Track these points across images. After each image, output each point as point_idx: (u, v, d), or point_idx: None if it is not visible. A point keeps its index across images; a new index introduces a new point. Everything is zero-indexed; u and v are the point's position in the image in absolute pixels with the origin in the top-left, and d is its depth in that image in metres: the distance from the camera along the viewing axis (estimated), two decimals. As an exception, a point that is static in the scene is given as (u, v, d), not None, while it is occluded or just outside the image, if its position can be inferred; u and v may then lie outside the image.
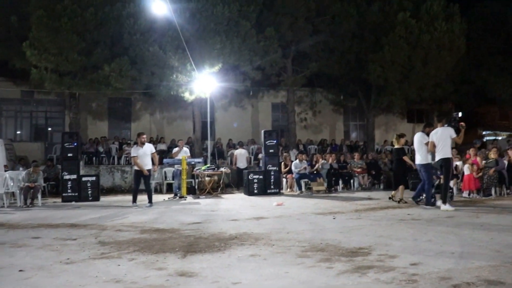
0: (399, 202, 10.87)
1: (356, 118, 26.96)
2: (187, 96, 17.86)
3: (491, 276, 4.32)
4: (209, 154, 18.54)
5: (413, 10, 20.07)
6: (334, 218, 8.52)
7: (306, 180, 15.46)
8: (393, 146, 11.91)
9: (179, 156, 14.03)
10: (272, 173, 14.83)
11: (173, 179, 14.91)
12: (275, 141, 15.21)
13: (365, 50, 20.75)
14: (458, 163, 13.73)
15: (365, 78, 20.91)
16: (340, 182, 16.09)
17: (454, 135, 9.34)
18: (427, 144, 9.75)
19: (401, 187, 11.07)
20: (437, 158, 9.44)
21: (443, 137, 9.32)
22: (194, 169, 15.07)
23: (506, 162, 12.95)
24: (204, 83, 17.20)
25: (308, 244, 5.99)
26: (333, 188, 15.76)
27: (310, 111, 24.99)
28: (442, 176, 11.87)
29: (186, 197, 13.53)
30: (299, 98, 24.49)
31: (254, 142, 22.24)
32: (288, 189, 15.71)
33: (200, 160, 15.71)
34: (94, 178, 13.87)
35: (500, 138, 27.39)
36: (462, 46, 20.53)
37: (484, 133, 31.23)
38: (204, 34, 17.10)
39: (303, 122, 24.75)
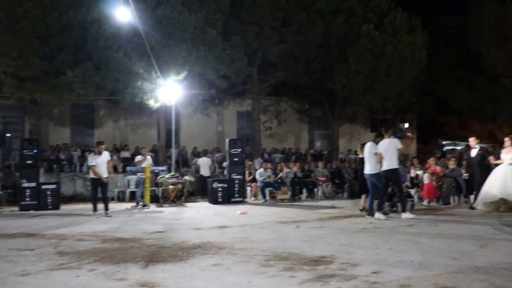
0: (361, 210, 11.02)
1: (321, 127, 27.25)
2: (152, 103, 17.67)
3: (448, 283, 4.43)
4: (173, 162, 18.36)
5: (377, 22, 20.56)
6: (297, 227, 8.57)
7: (271, 188, 15.51)
8: (357, 155, 12.06)
9: (143, 164, 13.84)
10: (237, 181, 14.80)
11: (136, 187, 14.69)
12: (239, 150, 15.21)
13: (330, 60, 21.06)
14: (419, 172, 14.05)
15: (330, 88, 21.20)
16: (304, 190, 16.19)
17: (399, 146, 9.43)
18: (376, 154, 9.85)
19: (364, 195, 11.22)
20: (384, 169, 9.52)
21: (389, 148, 9.42)
22: (158, 177, 14.89)
23: (463, 170, 13.30)
24: (169, 90, 17.06)
25: (271, 253, 6.00)
26: (297, 197, 15.85)
27: (275, 120, 25.12)
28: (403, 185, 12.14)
29: (149, 206, 13.35)
30: (264, 107, 24.59)
31: (219, 150, 22.19)
32: (253, 198, 15.71)
33: (164, 168, 15.55)
34: (54, 186, 13.52)
35: (459, 148, 28.21)
36: (423, 58, 21.13)
37: (444, 143, 32.11)
38: (170, 41, 16.98)
39: (268, 131, 24.85)
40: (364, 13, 21.08)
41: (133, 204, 13.86)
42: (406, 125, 10.82)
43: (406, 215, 9.38)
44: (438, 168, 13.49)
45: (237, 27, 19.79)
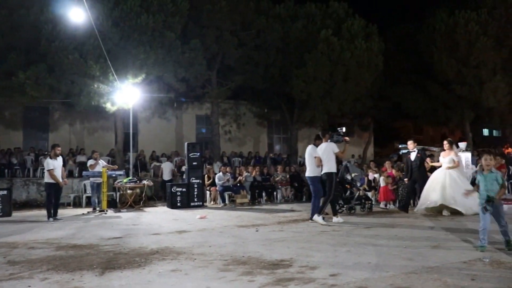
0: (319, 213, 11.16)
1: (280, 131, 27.47)
2: (109, 106, 17.32)
3: (403, 283, 4.53)
4: (131, 166, 18.06)
5: (335, 28, 20.94)
6: (257, 231, 8.58)
7: (230, 192, 15.49)
8: None
9: (96, 169, 13.55)
10: (196, 185, 14.71)
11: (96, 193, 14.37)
12: (198, 154, 15.14)
13: (289, 65, 21.27)
14: (376, 175, 14.36)
15: (289, 92, 21.41)
16: (264, 194, 16.26)
17: (336, 150, 9.46)
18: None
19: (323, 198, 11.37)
20: (322, 172, 9.51)
21: (326, 152, 9.46)
22: (116, 182, 14.61)
23: (403, 174, 13.62)
24: (127, 93, 16.78)
25: (230, 258, 5.98)
26: (256, 201, 15.90)
27: (235, 124, 25.14)
28: (361, 188, 12.36)
29: (106, 211, 13.07)
30: (223, 111, 24.58)
31: (177, 154, 21.99)
32: (212, 202, 15.64)
33: (121, 172, 15.26)
34: (5, 192, 13.00)
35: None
36: (380, 64, 21.68)
37: (400, 146, 32.92)
38: (128, 43, 16.73)
39: (228, 135, 24.83)
40: (322, 19, 21.44)
41: (90, 209, 13.53)
42: (344, 129, 10.90)
43: (336, 219, 9.39)
44: (394, 171, 13.81)
45: (196, 31, 19.72)
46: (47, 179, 11.04)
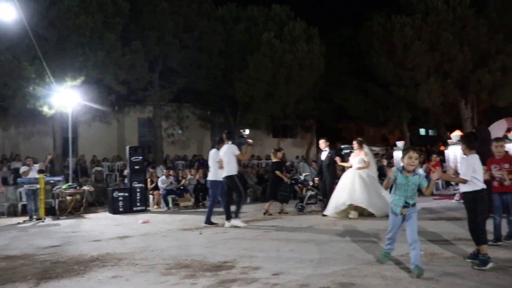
0: (264, 214, 11.25)
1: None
2: (46, 110, 16.63)
3: (344, 279, 4.64)
4: (71, 172, 17.45)
5: (277, 31, 21.19)
6: (200, 233, 8.53)
7: (173, 196, 15.30)
8: (270, 159, 12.25)
9: (30, 175, 13.00)
10: (138, 190, 14.42)
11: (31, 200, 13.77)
12: (140, 157, 14.86)
13: (231, 67, 21.30)
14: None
15: (232, 95, 21.44)
16: (208, 197, 16.16)
17: (237, 152, 9.25)
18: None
19: (271, 200, 11.52)
20: (223, 176, 9.33)
21: (227, 155, 9.27)
22: (54, 188, 14.07)
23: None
24: (65, 96, 16.15)
25: (173, 261, 5.91)
26: (200, 203, 15.78)
27: (178, 126, 24.88)
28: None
29: (44, 219, 12.53)
30: (166, 114, 24.27)
31: (119, 158, 21.49)
32: (155, 206, 15.37)
33: (60, 178, 14.71)
34: None
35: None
36: (321, 66, 22.14)
37: (342, 147, 33.73)
38: (65, 45, 16.17)
39: (171, 138, 24.54)
40: (265, 22, 21.65)
41: (26, 218, 12.94)
42: (247, 131, 10.89)
43: (235, 222, 9.16)
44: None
45: (137, 32, 19.37)
46: None
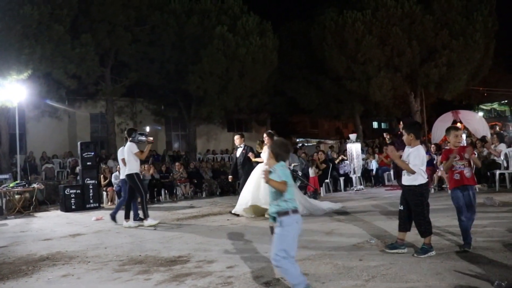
0: None
1: (178, 128, 27.21)
2: (-10, 105, 15.97)
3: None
4: (19, 169, 16.84)
5: (230, 25, 21.12)
6: (154, 229, 8.44)
7: (128, 192, 15.05)
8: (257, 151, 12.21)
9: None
10: (91, 186, 14.12)
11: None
12: (92, 153, 14.54)
13: (184, 61, 21.08)
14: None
15: (185, 89, 21.24)
16: (165, 192, 16.03)
17: (135, 150, 9.07)
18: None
19: None
20: (125, 174, 9.19)
21: (127, 153, 9.13)
22: (1, 187, 13.55)
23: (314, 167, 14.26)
24: (11, 91, 15.54)
25: (126, 258, 5.84)
26: (155, 199, 15.62)
27: (131, 122, 24.48)
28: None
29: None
30: (119, 108, 23.82)
31: (71, 154, 20.93)
32: (109, 203, 15.08)
33: (7, 176, 14.20)
34: None
35: (310, 144, 30.21)
36: (274, 60, 22.25)
37: (297, 140, 34.17)
38: (9, 36, 15.51)
39: (124, 133, 24.10)
40: (218, 15, 21.52)
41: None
42: (148, 129, 10.69)
43: (148, 222, 8.90)
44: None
45: (87, 25, 18.84)
46: None
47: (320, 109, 26.87)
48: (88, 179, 14.20)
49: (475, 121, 21.45)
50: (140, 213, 9.23)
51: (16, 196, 13.49)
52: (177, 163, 18.00)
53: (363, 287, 4.04)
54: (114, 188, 14.95)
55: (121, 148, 9.71)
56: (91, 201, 14.10)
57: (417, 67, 21.60)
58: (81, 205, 13.74)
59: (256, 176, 9.22)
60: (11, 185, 13.50)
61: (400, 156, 5.31)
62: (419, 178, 5.07)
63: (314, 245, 5.96)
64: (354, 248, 5.54)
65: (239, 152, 10.40)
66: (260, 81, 22.07)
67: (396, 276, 4.27)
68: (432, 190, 12.44)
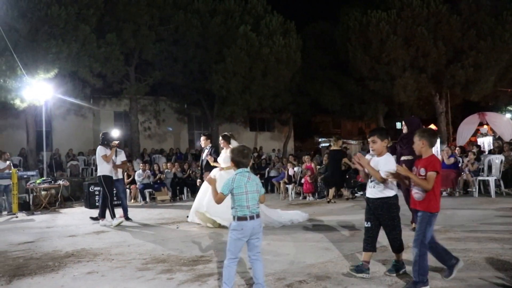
0: (329, 202, 11.74)
1: (201, 127, 27.34)
2: (18, 103, 16.25)
3: (320, 272, 4.68)
4: (45, 166, 17.17)
5: (254, 24, 21.14)
6: (177, 228, 8.50)
7: (150, 190, 15.21)
8: (330, 147, 12.29)
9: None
10: (115, 184, 14.29)
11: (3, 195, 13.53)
12: (117, 151, 14.71)
13: (208, 60, 21.19)
14: (296, 169, 14.70)
15: (208, 88, 21.35)
16: (187, 190, 16.13)
17: (102, 153, 9.36)
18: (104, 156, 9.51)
19: (334, 188, 12.09)
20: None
21: (97, 155, 9.57)
22: (28, 183, 13.83)
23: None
24: (38, 89, 15.84)
25: (149, 256, 5.88)
26: (178, 197, 15.74)
27: (154, 120, 24.71)
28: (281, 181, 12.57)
29: (17, 214, 12.31)
30: (142, 107, 24.06)
31: (95, 152, 21.20)
32: (132, 200, 15.27)
33: (34, 172, 14.48)
34: None
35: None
36: (298, 60, 22.19)
37: (320, 140, 34.02)
38: (37, 36, 15.83)
39: (147, 131, 24.35)
40: (241, 15, 21.56)
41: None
42: (117, 132, 10.76)
43: (114, 221, 9.20)
44: (313, 165, 14.22)
45: (113, 24, 19.09)
46: None
47: (343, 109, 26.69)
48: (112, 176, 14.36)
49: (502, 123, 21.04)
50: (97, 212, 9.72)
51: (43, 192, 13.76)
52: (198, 162, 18.08)
53: (387, 292, 4.00)
54: (137, 186, 15.13)
55: (99, 147, 9.77)
56: (115, 198, 14.23)
57: (442, 68, 21.26)
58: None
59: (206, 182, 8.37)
60: (37, 181, 13.77)
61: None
62: (393, 188, 4.49)
63: (337, 247, 5.91)
64: (378, 251, 5.46)
65: (204, 154, 9.42)
66: (283, 81, 22.04)
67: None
68: (457, 194, 12.26)
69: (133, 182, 15.32)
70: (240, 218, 3.95)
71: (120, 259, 5.82)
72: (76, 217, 11.49)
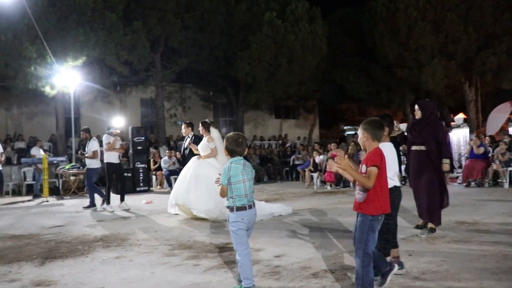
0: None
1: (226, 114, 27.40)
2: (48, 90, 16.58)
3: (346, 261, 4.68)
4: (74, 152, 17.49)
5: (279, 11, 20.97)
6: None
7: (176, 176, 15.33)
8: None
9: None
10: (141, 170, 14.50)
11: (33, 180, 13.89)
12: (143, 138, 14.91)
13: (233, 47, 21.14)
14: (321, 157, 14.64)
15: (234, 75, 21.33)
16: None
17: (106, 141, 10.16)
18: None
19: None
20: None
21: (103, 144, 10.35)
22: (58, 168, 14.14)
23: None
24: (67, 77, 16.11)
25: (175, 242, 5.96)
26: (204, 184, 15.85)
27: (180, 107, 24.86)
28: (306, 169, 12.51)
29: (47, 199, 12.60)
30: (168, 94, 24.21)
31: (122, 138, 21.46)
32: (158, 186, 15.47)
33: (63, 158, 14.79)
34: None
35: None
36: (324, 47, 21.95)
37: (345, 128, 33.74)
38: (66, 24, 16.03)
39: (173, 118, 24.54)
40: (267, 1, 21.39)
41: (30, 197, 13.05)
42: (120, 121, 11.18)
43: (107, 207, 9.94)
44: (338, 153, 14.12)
45: (139, 12, 19.18)
46: None
47: (369, 97, 26.32)
48: (139, 163, 14.58)
49: (536, 112, 20.47)
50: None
51: (71, 178, 14.06)
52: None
53: (413, 283, 3.96)
54: (163, 172, 15.30)
55: (105, 135, 10.52)
56: (141, 184, 14.49)
57: (473, 54, 20.74)
58: (132, 188, 14.14)
59: (185, 171, 8.32)
60: (66, 167, 14.07)
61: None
62: (394, 179, 4.22)
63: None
64: (403, 242, 5.42)
65: (186, 142, 9.15)
66: (309, 68, 21.85)
67: (447, 274, 4.16)
68: (486, 184, 12.04)
69: (159, 168, 15.50)
70: (239, 208, 3.81)
71: (147, 244, 5.92)
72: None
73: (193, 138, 8.90)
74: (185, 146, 9.16)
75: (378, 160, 3.50)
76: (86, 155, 10.52)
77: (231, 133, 4.04)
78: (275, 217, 7.90)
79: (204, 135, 8.41)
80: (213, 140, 8.23)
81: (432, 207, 5.97)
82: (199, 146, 8.32)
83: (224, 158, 7.39)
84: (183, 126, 9.22)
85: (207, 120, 8.69)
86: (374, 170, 3.47)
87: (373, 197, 3.53)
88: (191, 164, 8.23)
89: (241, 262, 3.82)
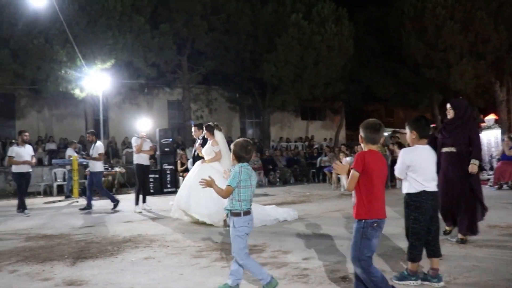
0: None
1: (252, 116, 27.46)
2: (77, 93, 16.96)
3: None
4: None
5: (305, 12, 20.92)
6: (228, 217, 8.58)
7: (203, 178, 15.45)
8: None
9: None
10: (168, 171, 14.65)
11: (64, 181, 14.18)
12: (170, 139, 15.06)
13: (259, 49, 21.20)
14: (348, 158, 14.51)
15: (260, 77, 21.37)
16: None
17: (134, 143, 10.21)
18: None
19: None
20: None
21: (132, 146, 10.45)
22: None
23: (389, 156, 13.89)
24: (96, 79, 16.44)
25: (203, 244, 6.00)
26: (230, 186, 15.90)
27: (206, 109, 25.04)
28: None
29: (77, 199, 12.86)
30: (195, 96, 24.41)
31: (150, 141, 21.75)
32: (185, 188, 15.56)
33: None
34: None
35: (386, 134, 29.38)
36: (350, 47, 21.80)
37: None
38: (95, 28, 16.36)
39: (200, 120, 24.71)
40: (293, 3, 21.38)
41: (61, 198, 13.33)
42: (147, 123, 11.10)
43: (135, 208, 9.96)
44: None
45: (166, 15, 19.43)
46: (13, 168, 10.46)
47: (396, 98, 26.05)
48: (166, 164, 14.74)
49: None
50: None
51: (100, 179, 14.25)
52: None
53: None
54: (190, 174, 15.39)
55: (134, 138, 10.58)
56: (169, 185, 14.64)
57: (504, 54, 20.31)
58: (159, 189, 14.32)
59: (189, 175, 8.35)
60: (95, 168, 14.27)
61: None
62: (405, 184, 4.12)
63: (392, 240, 5.83)
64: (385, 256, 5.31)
65: (196, 144, 8.82)
66: (335, 69, 21.73)
67: (480, 280, 4.07)
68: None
69: (186, 170, 15.59)
70: (246, 213, 3.82)
71: (176, 246, 5.98)
72: (132, 203, 11.81)
73: (202, 140, 8.64)
74: (195, 149, 9.01)
75: (357, 164, 3.42)
76: (92, 156, 10.62)
77: (240, 139, 4.01)
78: (279, 222, 7.65)
79: (208, 139, 8.23)
80: (217, 143, 8.13)
81: (472, 218, 5.54)
82: (204, 150, 8.21)
83: (228, 162, 7.71)
84: (193, 129, 9.00)
85: (211, 123, 8.55)
86: (353, 173, 3.42)
87: (357, 201, 3.48)
88: (195, 168, 8.22)
89: (246, 265, 3.83)
